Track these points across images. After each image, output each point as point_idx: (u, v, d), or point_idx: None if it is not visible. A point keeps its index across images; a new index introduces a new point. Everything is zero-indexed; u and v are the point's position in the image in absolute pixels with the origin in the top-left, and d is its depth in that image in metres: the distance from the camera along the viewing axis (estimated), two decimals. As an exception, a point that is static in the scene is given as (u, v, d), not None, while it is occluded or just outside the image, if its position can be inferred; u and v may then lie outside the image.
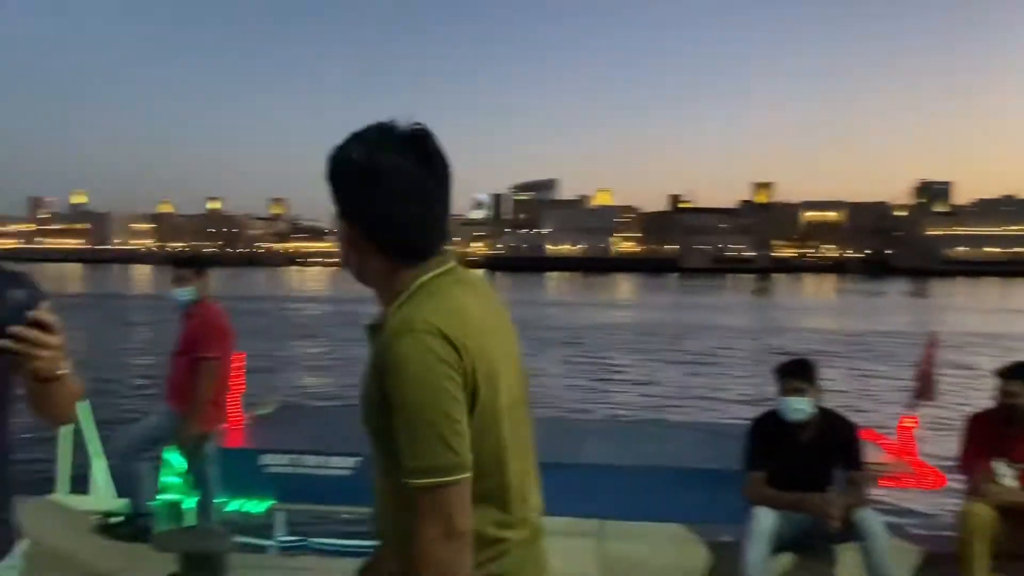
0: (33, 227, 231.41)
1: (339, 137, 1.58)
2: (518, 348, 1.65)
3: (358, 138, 1.55)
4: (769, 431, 4.48)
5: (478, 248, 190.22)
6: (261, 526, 6.35)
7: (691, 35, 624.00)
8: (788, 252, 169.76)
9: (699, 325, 34.90)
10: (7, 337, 1.68)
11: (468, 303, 1.53)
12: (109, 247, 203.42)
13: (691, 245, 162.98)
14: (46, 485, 6.26)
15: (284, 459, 6.04)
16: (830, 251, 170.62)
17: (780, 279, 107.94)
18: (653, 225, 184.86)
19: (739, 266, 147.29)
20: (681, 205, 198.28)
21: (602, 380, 19.09)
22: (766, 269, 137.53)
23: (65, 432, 6.19)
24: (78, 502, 5.74)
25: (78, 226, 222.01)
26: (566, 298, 61.41)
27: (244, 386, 7.14)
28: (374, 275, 1.60)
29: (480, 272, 1.71)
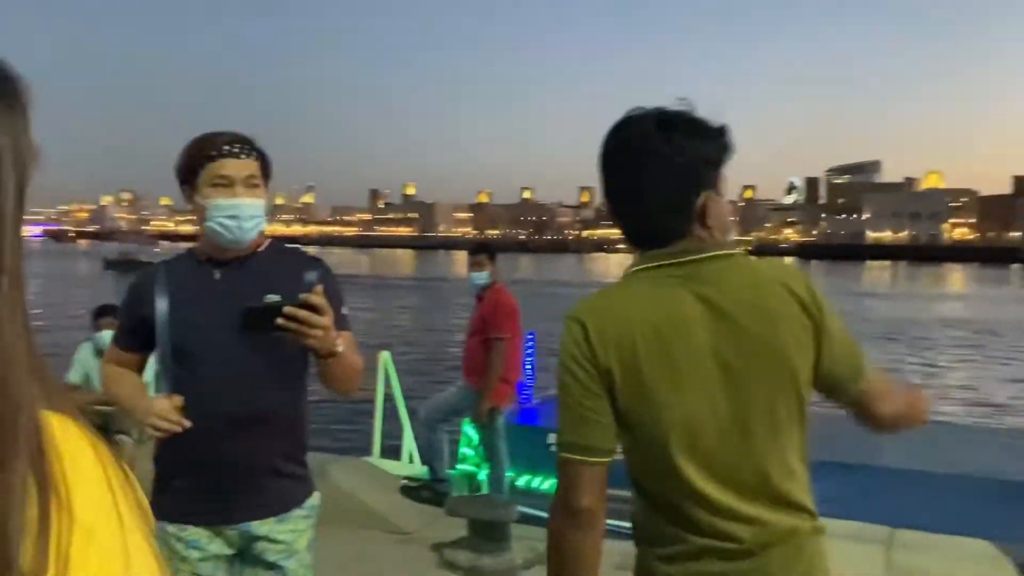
0: (369, 216, 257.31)
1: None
2: (774, 353, 1.45)
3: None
4: None
5: (790, 235, 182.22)
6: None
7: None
8: None
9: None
10: (282, 317, 1.91)
11: (643, 301, 1.47)
12: (434, 235, 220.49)
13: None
14: (366, 449, 7.05)
15: None
16: None
17: None
18: (993, 210, 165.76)
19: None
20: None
21: (920, 379, 17.55)
22: None
23: (379, 404, 6.90)
24: (388, 466, 6.36)
25: (409, 215, 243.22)
26: (888, 289, 57.04)
27: (536, 366, 7.49)
28: None
29: (745, 266, 1.51)
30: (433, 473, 5.65)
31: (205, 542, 2.09)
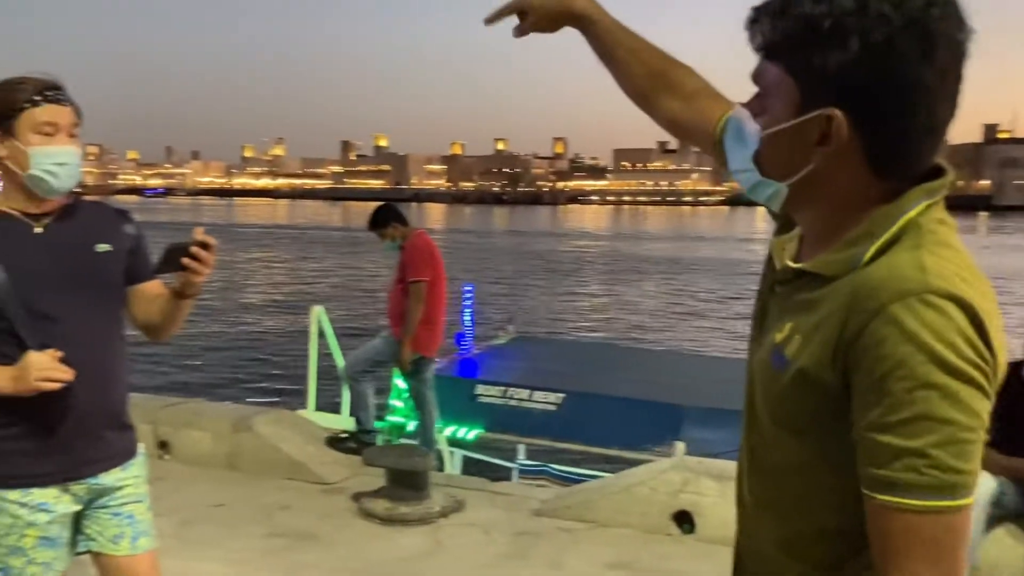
0: (341, 169, 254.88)
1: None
2: None
3: None
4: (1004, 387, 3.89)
5: None
6: (505, 450, 6.71)
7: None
8: None
9: (1017, 270, 31.16)
10: (187, 256, 1.96)
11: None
12: (406, 187, 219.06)
13: (1009, 180, 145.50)
14: (300, 403, 7.04)
15: (496, 391, 6.33)
16: None
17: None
18: (960, 158, 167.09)
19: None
20: (999, 135, 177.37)
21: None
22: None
23: (312, 357, 6.87)
24: (324, 419, 6.36)
25: (381, 167, 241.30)
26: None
27: (473, 317, 7.49)
28: (834, 192, 1.03)
29: None
30: (360, 424, 5.63)
31: (53, 503, 2.04)
